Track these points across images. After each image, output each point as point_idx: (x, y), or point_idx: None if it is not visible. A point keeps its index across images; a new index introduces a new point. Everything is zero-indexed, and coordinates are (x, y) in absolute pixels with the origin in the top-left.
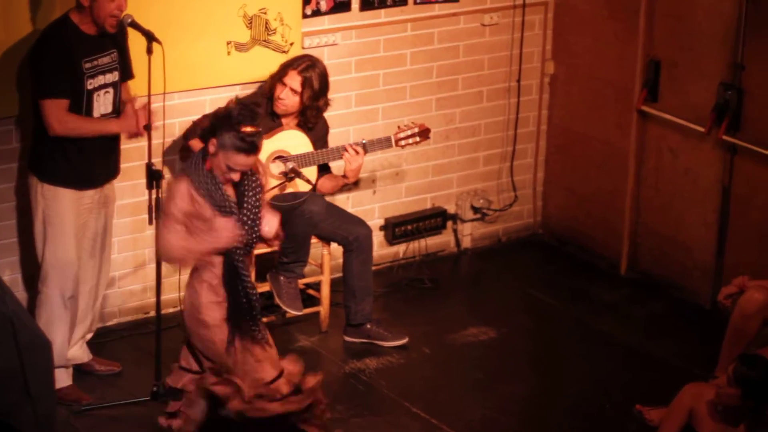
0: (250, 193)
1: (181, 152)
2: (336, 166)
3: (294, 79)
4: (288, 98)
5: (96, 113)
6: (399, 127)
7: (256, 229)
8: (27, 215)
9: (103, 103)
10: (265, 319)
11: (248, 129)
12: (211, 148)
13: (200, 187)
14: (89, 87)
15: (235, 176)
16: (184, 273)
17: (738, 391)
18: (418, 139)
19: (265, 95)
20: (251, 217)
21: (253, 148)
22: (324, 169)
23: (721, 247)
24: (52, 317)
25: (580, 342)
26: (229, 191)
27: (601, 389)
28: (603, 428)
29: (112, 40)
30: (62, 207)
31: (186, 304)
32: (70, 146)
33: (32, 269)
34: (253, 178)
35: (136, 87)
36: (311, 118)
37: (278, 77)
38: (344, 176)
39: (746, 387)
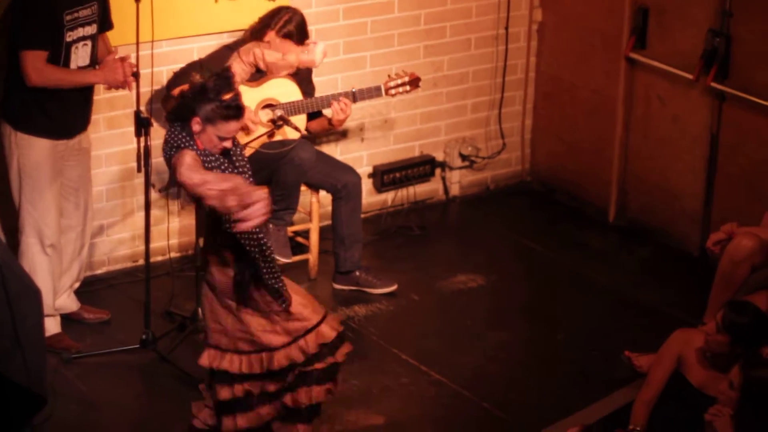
0: (239, 155)
1: (163, 102)
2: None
3: (273, 39)
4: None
5: (73, 65)
6: (389, 75)
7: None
8: (3, 165)
9: (81, 56)
10: None
11: (229, 95)
12: (196, 127)
13: (204, 160)
14: (68, 39)
15: (228, 143)
16: (173, 221)
17: (727, 338)
18: (408, 88)
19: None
20: (246, 178)
21: (240, 112)
22: (312, 115)
23: (709, 194)
24: (34, 266)
25: (569, 289)
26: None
27: (589, 336)
28: (592, 374)
29: None
30: (37, 156)
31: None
32: (44, 96)
33: (13, 220)
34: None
35: (124, 35)
36: None
37: (258, 37)
38: (330, 123)
39: (735, 333)
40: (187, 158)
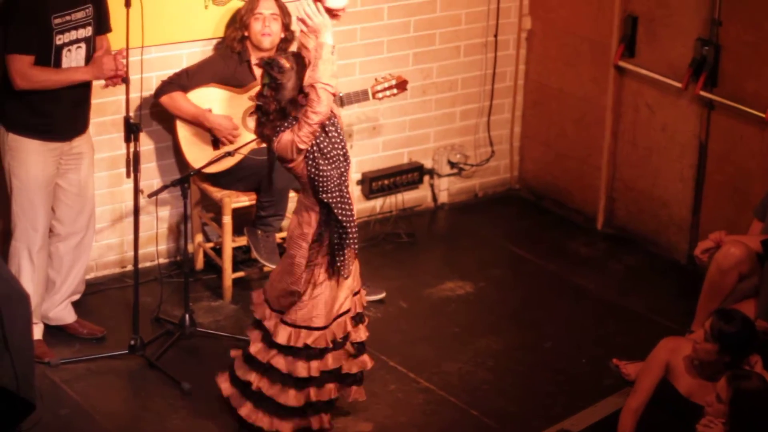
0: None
1: (152, 109)
2: None
3: (269, 6)
4: (272, 25)
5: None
6: (376, 79)
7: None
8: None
9: (74, 58)
10: (242, 273)
11: (283, 59)
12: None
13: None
14: (58, 42)
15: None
16: (162, 227)
17: (715, 346)
18: (395, 91)
19: (233, 50)
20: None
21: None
22: None
23: (697, 202)
24: (19, 271)
25: (557, 296)
26: None
27: (577, 343)
28: (579, 382)
29: None
30: (27, 158)
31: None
32: (36, 97)
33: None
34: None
35: (114, 41)
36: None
37: (248, 15)
38: None
39: (723, 342)
40: (286, 137)
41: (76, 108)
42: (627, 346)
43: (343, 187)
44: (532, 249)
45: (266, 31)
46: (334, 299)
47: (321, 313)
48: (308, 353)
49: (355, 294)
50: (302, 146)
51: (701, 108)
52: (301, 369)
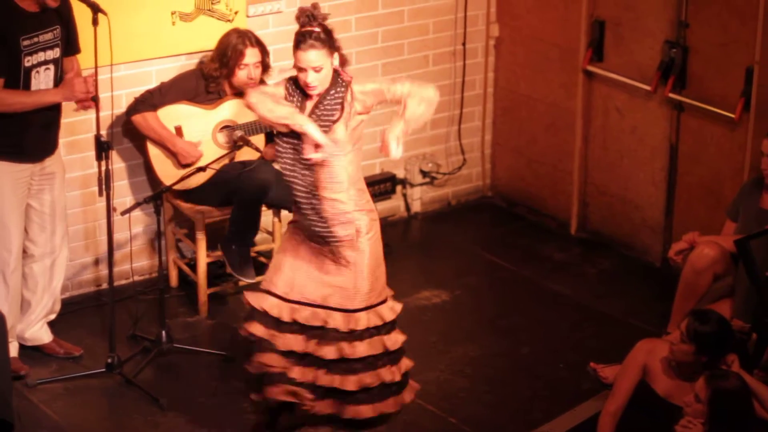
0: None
1: (123, 127)
2: None
3: (253, 54)
4: (257, 70)
5: (34, 89)
6: None
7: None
8: None
9: (43, 80)
10: (217, 288)
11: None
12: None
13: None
14: (27, 64)
15: (304, 76)
16: (136, 245)
17: (691, 347)
18: None
19: (207, 88)
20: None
21: (307, 40)
22: (270, 137)
23: (669, 204)
24: None
25: (533, 302)
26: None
27: (554, 348)
28: (557, 387)
29: (57, 16)
30: None
31: None
32: (5, 119)
33: None
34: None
35: (83, 59)
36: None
37: (234, 62)
38: None
39: (699, 342)
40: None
41: (46, 129)
42: (604, 349)
43: (296, 169)
44: (507, 256)
45: (251, 82)
46: (295, 274)
47: (279, 279)
48: (265, 319)
49: (372, 307)
50: (252, 97)
51: (671, 110)
52: (258, 329)
